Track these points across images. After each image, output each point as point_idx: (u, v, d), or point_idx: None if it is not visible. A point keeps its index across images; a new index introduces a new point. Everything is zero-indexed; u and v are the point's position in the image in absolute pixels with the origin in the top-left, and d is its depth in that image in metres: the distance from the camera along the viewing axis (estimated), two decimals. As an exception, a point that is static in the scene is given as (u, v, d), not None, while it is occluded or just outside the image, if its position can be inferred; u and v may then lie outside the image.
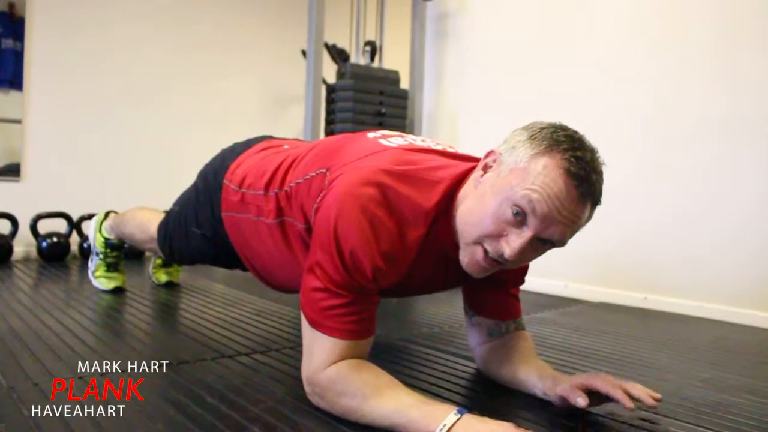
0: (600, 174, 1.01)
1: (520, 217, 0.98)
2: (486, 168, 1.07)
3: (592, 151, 1.01)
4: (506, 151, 1.03)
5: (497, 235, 1.01)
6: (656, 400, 1.06)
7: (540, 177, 0.97)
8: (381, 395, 1.00)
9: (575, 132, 1.03)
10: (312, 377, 1.06)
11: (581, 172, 0.97)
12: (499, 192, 1.00)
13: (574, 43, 2.69)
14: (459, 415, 0.93)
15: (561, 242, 1.02)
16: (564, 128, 1.03)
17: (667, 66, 2.38)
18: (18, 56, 2.88)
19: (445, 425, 0.92)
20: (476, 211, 1.03)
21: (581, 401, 1.05)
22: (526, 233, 0.99)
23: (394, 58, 3.39)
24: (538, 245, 1.02)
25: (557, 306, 2.34)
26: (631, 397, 1.05)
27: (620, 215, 2.42)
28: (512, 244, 0.99)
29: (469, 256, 1.06)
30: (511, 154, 1.02)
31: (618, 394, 1.05)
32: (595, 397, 1.08)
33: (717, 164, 2.23)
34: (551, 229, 0.99)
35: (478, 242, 1.03)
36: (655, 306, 2.36)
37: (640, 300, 2.41)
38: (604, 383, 1.07)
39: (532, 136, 1.01)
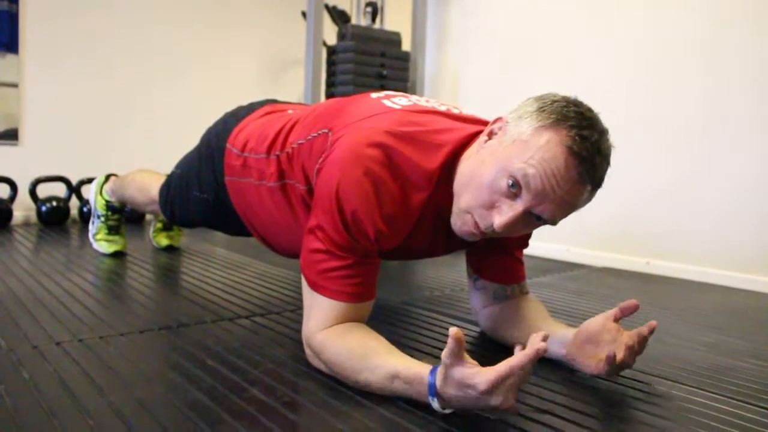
0: (605, 156, 0.98)
1: (514, 189, 0.96)
2: (491, 134, 1.04)
3: (602, 132, 0.97)
4: (513, 121, 1.01)
5: (489, 205, 0.99)
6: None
7: (540, 152, 0.94)
8: (377, 358, 0.99)
9: (589, 109, 0.99)
10: (310, 338, 1.06)
11: (584, 152, 0.94)
12: (497, 161, 0.98)
13: (578, 5, 2.63)
14: (431, 377, 0.90)
15: (552, 221, 1.00)
16: (577, 104, 0.99)
17: (669, 31, 2.33)
18: (13, 18, 2.83)
19: (432, 397, 0.90)
20: (473, 177, 1.01)
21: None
22: (518, 207, 0.97)
23: (396, 20, 3.33)
24: (530, 220, 1.00)
25: (559, 270, 2.33)
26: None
27: (623, 179, 2.39)
28: (502, 215, 0.98)
29: (460, 221, 1.05)
30: (517, 124, 0.99)
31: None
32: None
33: (721, 128, 2.20)
34: (544, 205, 0.97)
35: (469, 210, 1.02)
36: (657, 271, 2.35)
37: (642, 265, 2.40)
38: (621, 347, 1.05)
39: (541, 108, 0.98)
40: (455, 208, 1.06)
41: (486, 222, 1.00)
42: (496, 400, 0.84)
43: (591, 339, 1.09)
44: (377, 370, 0.97)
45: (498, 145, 1.01)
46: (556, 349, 1.15)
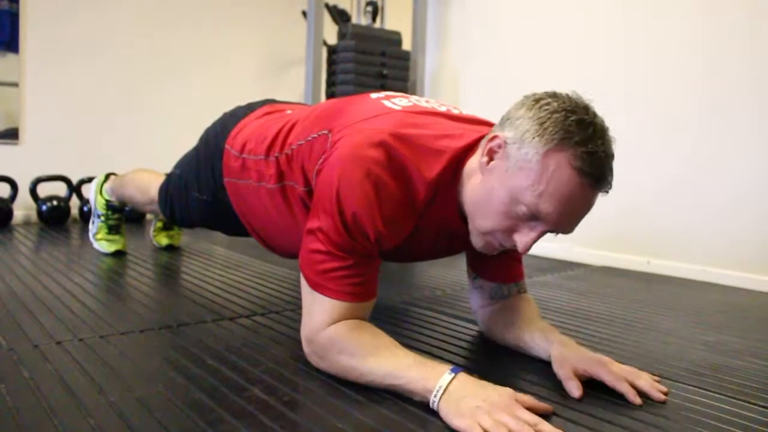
0: (611, 158, 0.97)
1: (531, 215, 0.98)
2: (491, 154, 1.02)
3: (603, 135, 0.96)
4: (513, 142, 0.98)
5: (509, 230, 1.01)
6: (663, 393, 1.04)
7: (552, 181, 0.94)
8: (380, 355, 1.00)
9: (585, 110, 0.97)
10: (312, 337, 1.06)
11: (595, 170, 0.94)
12: (509, 190, 0.98)
13: (578, 5, 2.63)
14: (453, 374, 0.93)
15: (569, 232, 1.02)
16: (574, 110, 0.96)
17: (670, 30, 2.33)
18: (14, 18, 2.83)
19: (440, 387, 0.91)
20: (486, 203, 1.02)
21: (575, 392, 1.03)
22: (538, 229, 0.99)
23: (396, 19, 3.33)
24: (548, 234, 1.03)
25: (560, 269, 2.33)
26: (637, 390, 1.03)
27: (624, 179, 2.38)
28: (523, 239, 1.00)
29: (483, 243, 1.07)
30: (520, 147, 0.96)
31: (623, 388, 1.02)
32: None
33: (721, 127, 2.19)
34: (562, 226, 0.99)
35: (489, 233, 1.04)
36: (658, 270, 2.35)
37: (643, 264, 2.40)
38: (608, 375, 1.04)
39: (541, 125, 0.95)
40: (473, 230, 1.07)
41: (508, 244, 1.04)
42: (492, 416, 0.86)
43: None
44: (388, 356, 0.99)
45: (504, 170, 0.99)
46: (542, 355, 1.18)
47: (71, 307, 1.44)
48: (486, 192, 1.02)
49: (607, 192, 0.99)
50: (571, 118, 0.95)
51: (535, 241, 1.01)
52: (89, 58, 3.03)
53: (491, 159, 1.02)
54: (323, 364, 1.06)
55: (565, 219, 0.98)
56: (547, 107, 0.97)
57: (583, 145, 0.93)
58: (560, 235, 1.03)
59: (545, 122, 0.95)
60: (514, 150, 0.98)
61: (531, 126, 0.96)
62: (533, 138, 0.95)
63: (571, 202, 0.95)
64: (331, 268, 1.03)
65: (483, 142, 1.05)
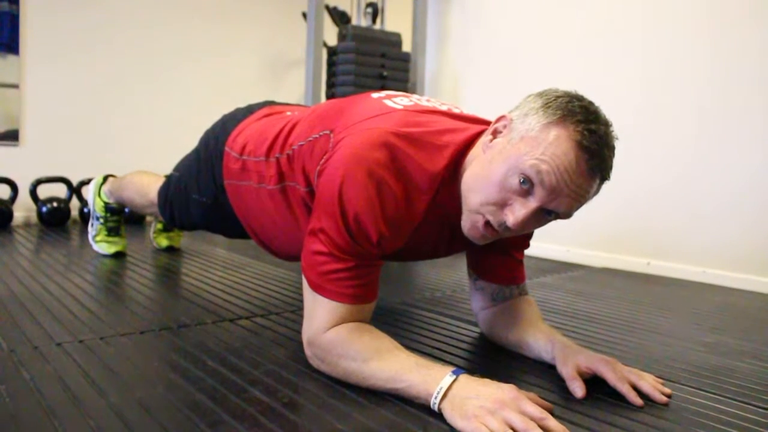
0: (612, 149, 0.99)
1: (526, 186, 0.96)
2: (496, 133, 1.04)
3: (606, 125, 0.98)
4: (518, 118, 1.01)
5: (501, 204, 0.99)
6: (666, 395, 1.04)
7: (551, 147, 0.94)
8: (381, 358, 0.99)
9: (591, 103, 1.00)
10: (313, 340, 1.06)
11: (593, 146, 0.94)
12: (507, 159, 0.98)
13: (578, 5, 2.63)
14: (455, 376, 0.93)
15: (566, 215, 1.01)
16: (580, 98, 0.99)
17: (669, 27, 2.33)
18: (14, 19, 2.83)
19: (441, 388, 0.91)
20: (482, 177, 1.01)
21: (579, 392, 1.03)
22: (531, 203, 0.97)
23: (396, 20, 3.33)
24: (542, 216, 1.00)
25: (559, 271, 2.33)
26: (639, 392, 1.04)
27: (623, 180, 2.39)
28: (516, 213, 0.98)
29: (470, 223, 1.05)
30: (523, 122, 0.99)
31: (624, 389, 1.02)
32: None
33: (720, 129, 2.20)
34: (557, 201, 0.97)
35: (480, 210, 1.02)
36: (658, 271, 2.35)
37: (642, 265, 2.40)
38: (611, 373, 1.04)
39: (546, 104, 0.98)
40: (464, 209, 1.05)
41: (499, 220, 1.00)
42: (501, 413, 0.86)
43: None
44: (390, 359, 0.99)
45: (505, 143, 1.00)
46: (545, 357, 1.18)
47: (71, 309, 1.44)
48: (484, 166, 1.01)
49: (604, 178, 0.99)
50: (575, 103, 0.98)
51: (527, 218, 0.97)
52: (89, 59, 3.03)
53: (495, 138, 1.03)
54: (325, 367, 1.06)
55: (563, 192, 0.96)
56: (553, 93, 1.01)
57: (584, 123, 0.95)
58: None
59: (549, 102, 0.98)
60: (517, 125, 1.00)
61: (536, 104, 1.00)
62: (536, 113, 0.98)
63: (569, 174, 0.95)
64: (333, 270, 1.03)
65: (489, 128, 1.06)
